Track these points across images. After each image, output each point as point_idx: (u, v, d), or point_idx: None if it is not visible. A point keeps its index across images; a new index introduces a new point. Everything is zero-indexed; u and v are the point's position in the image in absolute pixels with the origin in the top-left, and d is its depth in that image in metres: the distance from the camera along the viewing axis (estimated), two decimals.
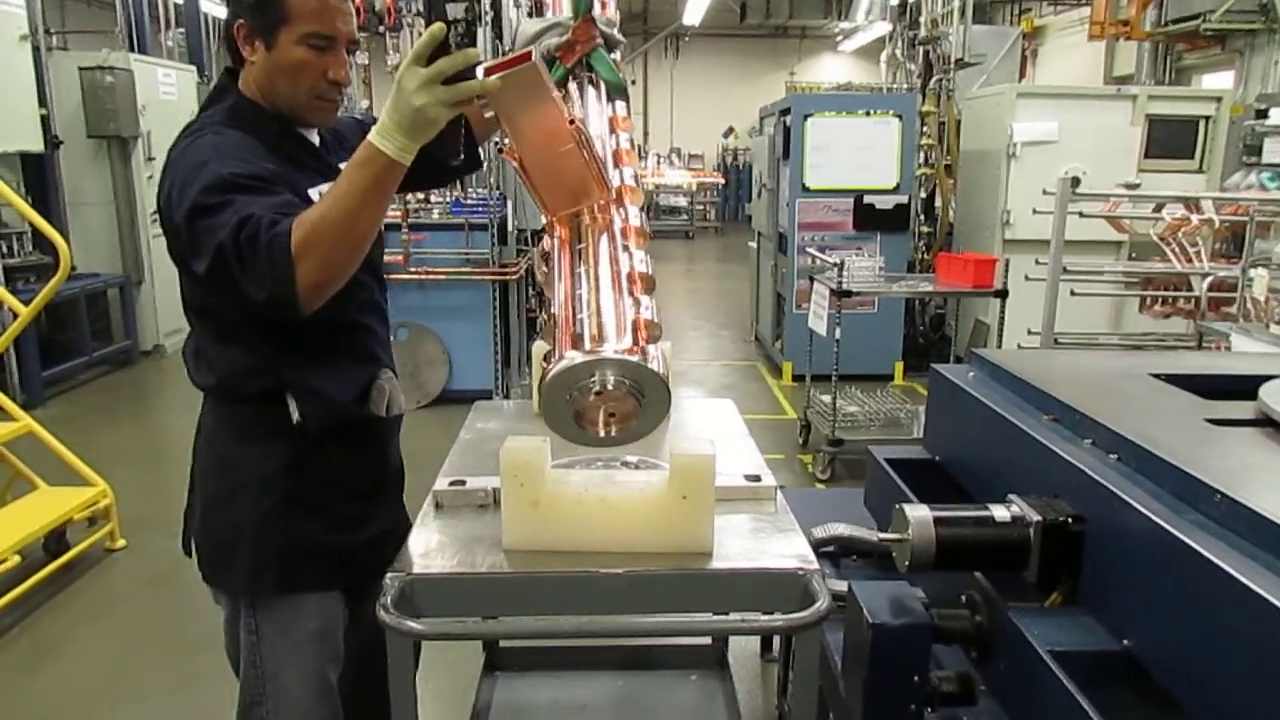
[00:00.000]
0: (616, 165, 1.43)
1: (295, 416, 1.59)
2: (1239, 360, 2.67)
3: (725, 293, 10.93)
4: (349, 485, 1.70)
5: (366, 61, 5.88)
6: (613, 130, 1.50)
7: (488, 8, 5.83)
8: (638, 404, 1.17)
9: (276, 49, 1.53)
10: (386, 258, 2.21)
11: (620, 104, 1.56)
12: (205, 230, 1.38)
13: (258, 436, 1.63)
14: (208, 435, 1.71)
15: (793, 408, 6.16)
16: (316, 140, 1.69)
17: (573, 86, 1.59)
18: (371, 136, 1.36)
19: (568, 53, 1.63)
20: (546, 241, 1.45)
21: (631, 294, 1.24)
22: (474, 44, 1.48)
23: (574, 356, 1.16)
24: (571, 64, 1.63)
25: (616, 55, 1.65)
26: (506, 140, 1.40)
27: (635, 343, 1.18)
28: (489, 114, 1.35)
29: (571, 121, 1.30)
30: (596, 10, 1.64)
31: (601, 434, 1.21)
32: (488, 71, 1.29)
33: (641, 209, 1.38)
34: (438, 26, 1.31)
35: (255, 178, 1.43)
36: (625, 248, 1.31)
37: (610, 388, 1.15)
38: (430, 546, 1.52)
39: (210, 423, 1.70)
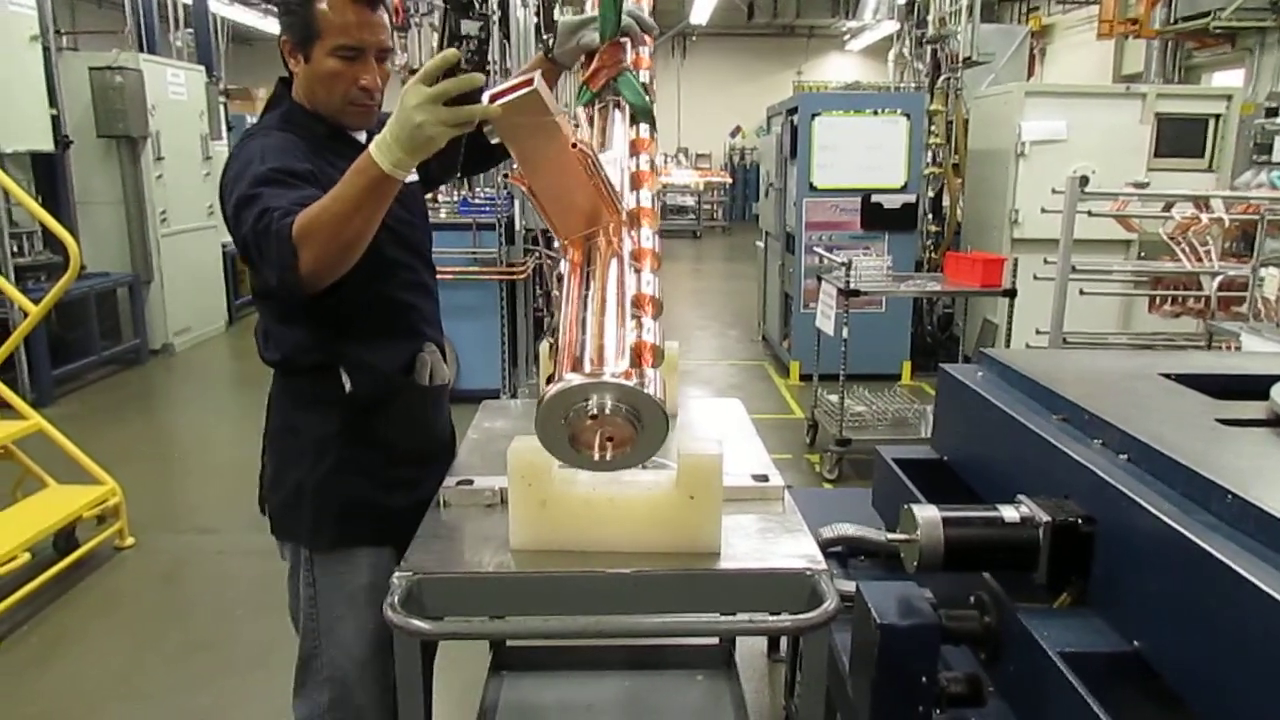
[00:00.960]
0: (635, 187, 1.43)
1: (347, 386, 1.74)
2: (1250, 360, 2.65)
3: (732, 292, 10.93)
4: (397, 449, 1.83)
5: (405, 62, 5.88)
6: (634, 152, 1.50)
7: (495, 6, 5.84)
8: (635, 429, 1.17)
9: (313, 61, 1.68)
10: None
11: (645, 127, 1.56)
12: (239, 222, 1.54)
13: (315, 405, 1.78)
14: (275, 404, 1.87)
15: (800, 407, 6.15)
16: (364, 139, 1.78)
17: (591, 109, 1.60)
18: (371, 147, 1.41)
19: (594, 77, 1.64)
20: (562, 263, 1.45)
21: (637, 317, 1.23)
22: (486, 60, 1.49)
23: (572, 379, 1.15)
24: (598, 87, 1.64)
25: (645, 77, 1.66)
26: (514, 166, 1.40)
27: (637, 366, 1.17)
28: (495, 140, 1.36)
29: (575, 145, 1.30)
30: (629, 2, 1.64)
31: (596, 457, 1.19)
32: (492, 98, 1.29)
33: (657, 231, 1.38)
34: (451, 52, 1.35)
35: (287, 172, 1.57)
36: (635, 269, 1.31)
37: (607, 412, 1.15)
38: (438, 546, 1.52)
39: (276, 393, 1.87)
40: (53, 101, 6.34)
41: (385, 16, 1.72)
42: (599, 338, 1.20)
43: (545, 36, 1.80)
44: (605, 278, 1.31)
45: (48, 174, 6.54)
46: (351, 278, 1.53)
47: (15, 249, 6.09)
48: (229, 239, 2.03)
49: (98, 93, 6.99)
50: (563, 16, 1.78)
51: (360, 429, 1.78)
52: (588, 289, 1.31)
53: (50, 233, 4.35)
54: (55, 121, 6.38)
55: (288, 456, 1.83)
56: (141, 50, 7.79)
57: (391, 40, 1.77)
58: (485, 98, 1.32)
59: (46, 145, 6.29)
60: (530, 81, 1.27)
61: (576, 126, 1.50)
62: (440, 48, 1.53)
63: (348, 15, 1.65)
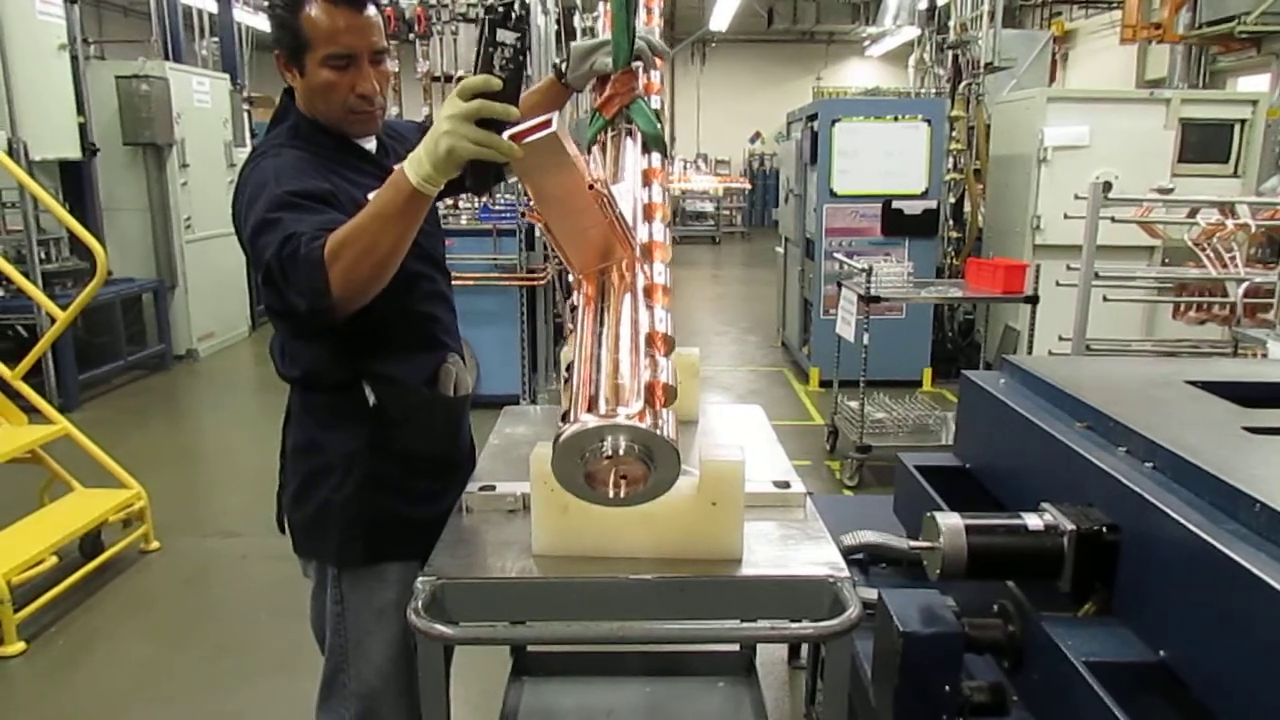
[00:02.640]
0: (647, 219, 1.44)
1: (372, 400, 1.73)
2: (1276, 367, 2.62)
3: (752, 298, 10.91)
4: (424, 462, 1.82)
5: (397, 69, 5.91)
6: (646, 183, 1.51)
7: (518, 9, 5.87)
8: (648, 469, 1.19)
9: (307, 74, 1.64)
10: None
11: (657, 155, 1.57)
12: (260, 247, 1.49)
13: (340, 421, 1.76)
14: (295, 421, 1.84)
15: (820, 413, 6.14)
16: (373, 146, 1.78)
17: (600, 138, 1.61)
18: (405, 162, 1.40)
19: (607, 104, 1.65)
20: (575, 296, 1.46)
21: (650, 355, 1.24)
22: (524, 70, 1.46)
23: (587, 420, 1.17)
24: (612, 115, 1.65)
25: (656, 104, 1.66)
26: (531, 203, 1.41)
27: (651, 405, 1.19)
28: (512, 178, 1.38)
29: (592, 186, 1.30)
30: (641, 24, 1.65)
31: (610, 495, 1.22)
32: (511, 137, 1.30)
33: (668, 264, 1.39)
34: (495, 81, 1.33)
35: (307, 195, 1.53)
36: (648, 306, 1.32)
37: (621, 453, 1.17)
38: (461, 551, 1.53)
39: (296, 410, 1.84)
40: (80, 110, 6.44)
41: (376, 15, 1.66)
42: (613, 377, 1.22)
43: (557, 60, 1.79)
44: (619, 314, 1.32)
45: (75, 181, 6.63)
46: (382, 301, 1.51)
47: (43, 255, 6.17)
48: None
49: (124, 101, 7.08)
50: (575, 41, 1.78)
51: (386, 443, 1.76)
52: (601, 325, 1.32)
53: (77, 239, 4.42)
54: (82, 129, 6.48)
55: (312, 474, 1.79)
56: (167, 59, 7.89)
57: (385, 40, 1.70)
58: (505, 135, 1.31)
59: (74, 153, 6.39)
60: (549, 123, 1.27)
61: (590, 160, 1.51)
62: (479, 59, 1.51)
63: (335, 21, 1.60)
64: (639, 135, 1.61)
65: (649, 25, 1.74)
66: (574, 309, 1.42)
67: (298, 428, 1.83)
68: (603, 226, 1.34)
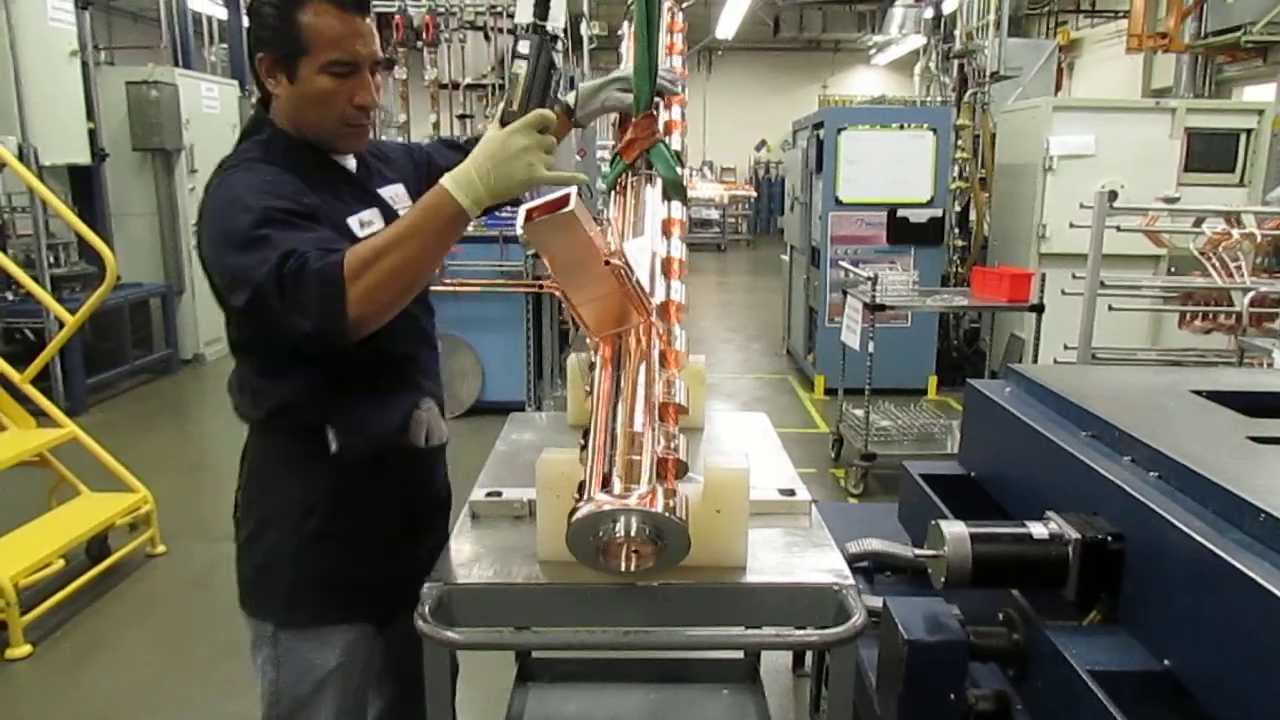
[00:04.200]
0: (665, 275, 1.45)
1: (333, 447, 1.58)
2: None
3: (757, 305, 10.92)
4: (388, 516, 1.67)
5: (405, 76, 5.95)
6: (666, 233, 1.52)
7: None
8: (657, 546, 1.26)
9: (299, 80, 1.50)
10: None
11: (677, 204, 1.58)
12: (243, 267, 1.36)
13: (297, 466, 1.61)
14: (250, 464, 1.69)
15: (825, 421, 6.13)
16: (353, 165, 1.66)
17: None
18: (447, 184, 1.35)
19: (628, 148, 1.66)
20: (591, 354, 1.48)
21: (664, 427, 1.29)
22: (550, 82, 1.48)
23: (601, 499, 1.22)
24: (632, 159, 1.65)
25: (679, 147, 1.67)
26: (550, 275, 1.42)
27: (663, 481, 1.24)
28: (530, 252, 1.40)
29: (608, 262, 1.31)
30: (662, 61, 1.66)
31: (622, 569, 1.28)
32: (528, 213, 1.29)
33: (683, 328, 1.43)
34: (550, 115, 1.37)
35: (292, 213, 1.41)
36: (664, 376, 1.35)
37: (632, 534, 1.23)
38: (467, 557, 1.54)
39: (253, 452, 1.69)
40: (90, 115, 6.47)
41: (372, 23, 1.56)
42: (627, 453, 1.27)
43: (564, 96, 1.74)
44: (634, 382, 1.35)
45: (84, 186, 6.67)
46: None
47: (52, 259, 6.21)
48: None
49: (134, 106, 7.13)
50: (583, 84, 1.79)
51: (346, 494, 1.61)
52: (617, 393, 1.35)
53: (86, 243, 4.43)
54: (92, 135, 6.51)
55: (263, 521, 1.65)
56: (177, 65, 7.94)
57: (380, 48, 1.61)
58: (521, 212, 1.30)
59: (84, 158, 6.42)
60: (566, 200, 1.27)
61: (606, 223, 1.53)
62: (533, 79, 1.52)
63: (338, 26, 1.47)
64: (659, 180, 1.62)
65: (670, 52, 1.75)
66: (591, 367, 1.45)
67: (251, 472, 1.69)
68: (619, 296, 1.36)
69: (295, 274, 1.32)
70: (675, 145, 1.70)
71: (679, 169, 1.65)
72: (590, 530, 1.24)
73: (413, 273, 1.37)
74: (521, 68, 1.35)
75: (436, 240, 1.37)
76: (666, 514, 1.22)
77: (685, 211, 1.61)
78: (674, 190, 1.61)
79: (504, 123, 1.38)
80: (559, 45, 1.39)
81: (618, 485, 1.23)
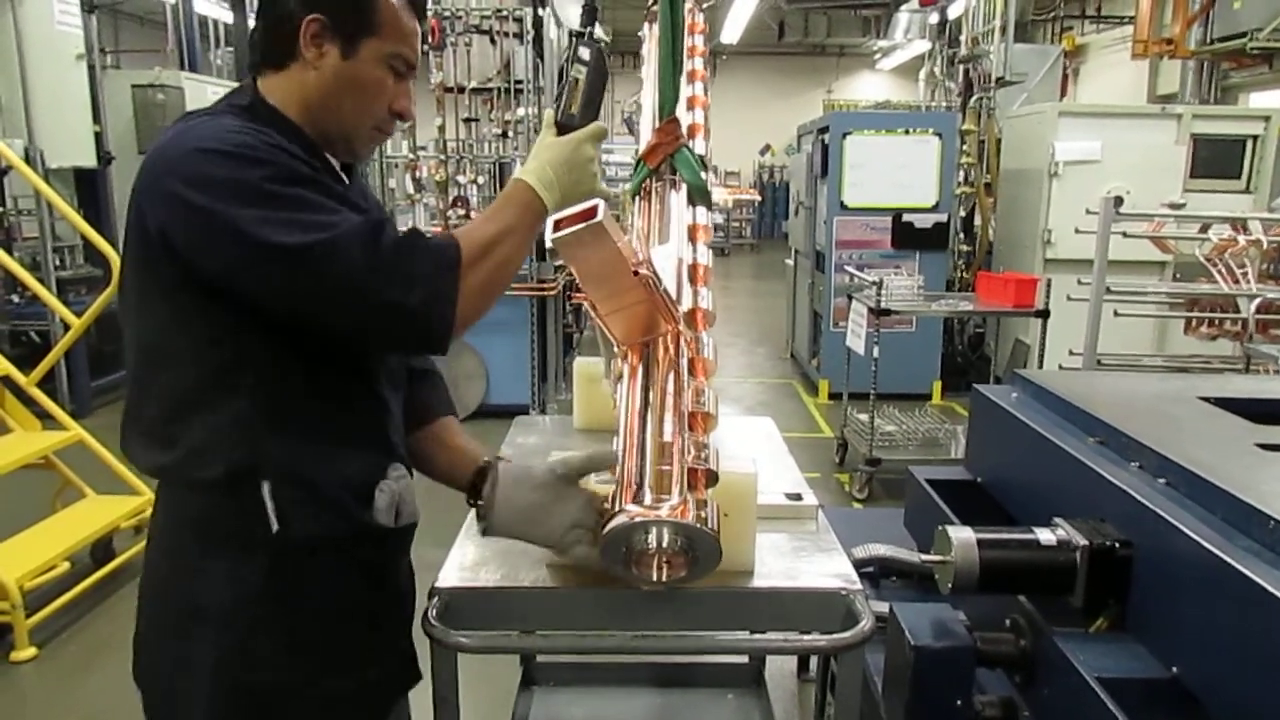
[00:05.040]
0: (691, 282, 1.45)
1: (273, 521, 1.22)
2: None
3: (761, 309, 10.92)
4: (341, 615, 1.33)
5: (440, 80, 5.95)
6: (691, 239, 1.52)
7: (530, 27, 5.92)
8: (688, 557, 1.25)
9: (355, 60, 1.26)
10: None
11: (702, 210, 1.58)
12: (287, 224, 1.11)
13: (223, 539, 1.25)
14: (158, 542, 1.33)
15: (829, 426, 6.13)
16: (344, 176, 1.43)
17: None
18: (532, 182, 1.28)
19: (652, 153, 1.65)
20: (619, 363, 1.48)
21: (694, 437, 1.28)
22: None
23: (631, 509, 1.22)
24: (656, 164, 1.65)
25: (703, 151, 1.67)
26: (578, 285, 1.42)
27: (694, 491, 1.23)
28: (558, 263, 1.39)
29: (636, 271, 1.30)
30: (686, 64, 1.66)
31: (655, 578, 1.27)
32: (556, 223, 1.29)
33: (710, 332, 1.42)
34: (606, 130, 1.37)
35: (317, 183, 1.19)
36: (693, 384, 1.35)
37: (664, 545, 1.22)
38: (473, 560, 1.54)
39: (163, 519, 1.32)
40: (96, 118, 6.49)
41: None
42: (657, 464, 1.26)
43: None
44: (663, 391, 1.34)
45: (90, 189, 6.67)
46: (318, 351, 1.23)
47: (58, 262, 6.23)
48: None
49: (140, 109, 7.15)
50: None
51: (287, 583, 1.26)
52: (646, 403, 1.34)
53: (92, 246, 4.44)
54: (98, 138, 6.52)
55: (175, 620, 1.27)
56: (182, 68, 7.98)
57: None
58: (549, 223, 1.27)
59: (90, 161, 6.43)
60: (594, 211, 1.26)
61: (631, 229, 1.53)
62: (592, 87, 1.49)
63: (409, 23, 1.30)
64: (683, 186, 1.61)
65: (692, 56, 1.75)
66: (619, 379, 1.44)
67: (158, 552, 1.32)
68: (647, 306, 1.35)
69: (401, 243, 1.15)
70: (699, 150, 1.69)
71: (703, 174, 1.64)
72: (622, 542, 1.23)
73: (511, 273, 1.25)
74: (581, 73, 1.35)
75: (528, 240, 1.27)
76: (699, 525, 1.21)
77: (710, 217, 1.60)
78: (699, 195, 1.60)
79: (561, 125, 1.35)
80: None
81: (649, 496, 1.23)
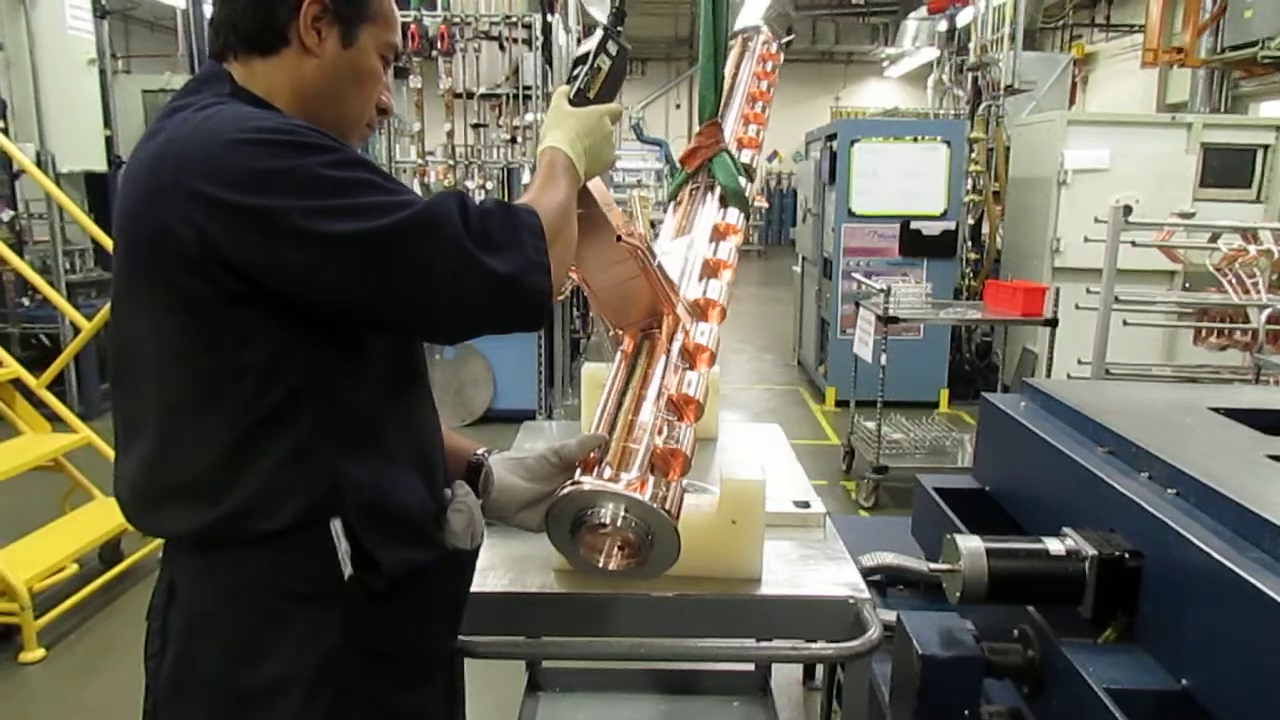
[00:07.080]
0: (706, 275, 1.44)
1: (346, 566, 1.06)
2: None
3: (768, 316, 10.91)
4: (411, 660, 1.17)
5: (420, 85, 5.98)
6: (715, 237, 1.51)
7: (539, 33, 5.94)
8: (642, 543, 1.13)
9: (355, 48, 1.15)
10: None
11: (734, 210, 1.57)
12: (357, 210, 0.99)
13: (293, 600, 1.06)
14: (187, 618, 1.10)
15: (836, 433, 6.12)
16: None
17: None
18: (568, 150, 1.24)
19: (690, 157, 1.64)
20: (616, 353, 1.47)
21: (672, 421, 1.23)
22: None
23: (584, 482, 1.13)
24: (694, 168, 1.64)
25: (746, 157, 1.67)
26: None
27: (661, 473, 1.16)
28: None
29: (620, 238, 1.27)
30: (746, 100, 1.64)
31: (600, 564, 1.17)
32: None
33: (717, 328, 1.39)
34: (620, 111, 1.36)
35: (366, 164, 1.06)
36: (686, 368, 1.31)
37: (612, 521, 1.12)
38: (481, 565, 1.54)
39: (195, 607, 1.09)
40: (107, 123, 6.53)
41: None
42: (623, 440, 1.19)
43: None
44: (649, 374, 1.31)
45: (101, 193, 6.71)
46: (378, 359, 1.11)
47: (68, 266, 6.26)
48: None
49: (150, 114, 7.19)
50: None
51: (367, 634, 1.09)
52: (626, 384, 1.31)
53: (102, 250, 4.46)
54: (109, 142, 6.57)
55: (238, 708, 1.07)
56: (192, 73, 7.99)
57: None
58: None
59: (100, 165, 6.46)
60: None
61: (630, 216, 1.52)
62: (610, 76, 1.47)
63: (395, 12, 1.21)
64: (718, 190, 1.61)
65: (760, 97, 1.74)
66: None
67: (192, 627, 1.09)
68: (640, 281, 1.33)
69: (488, 212, 1.07)
70: (745, 159, 1.69)
71: (743, 180, 1.63)
72: (568, 516, 1.14)
73: (575, 241, 1.22)
74: (606, 63, 1.35)
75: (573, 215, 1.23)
76: (654, 504, 1.11)
77: (742, 220, 1.59)
78: (735, 200, 1.59)
79: (574, 102, 1.31)
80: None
81: (607, 471, 1.16)
